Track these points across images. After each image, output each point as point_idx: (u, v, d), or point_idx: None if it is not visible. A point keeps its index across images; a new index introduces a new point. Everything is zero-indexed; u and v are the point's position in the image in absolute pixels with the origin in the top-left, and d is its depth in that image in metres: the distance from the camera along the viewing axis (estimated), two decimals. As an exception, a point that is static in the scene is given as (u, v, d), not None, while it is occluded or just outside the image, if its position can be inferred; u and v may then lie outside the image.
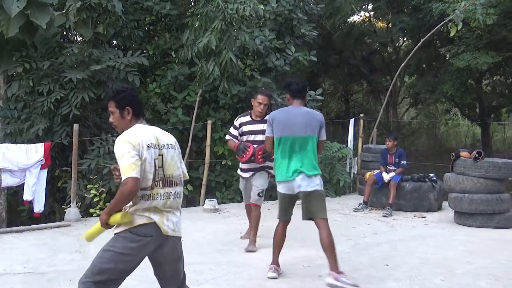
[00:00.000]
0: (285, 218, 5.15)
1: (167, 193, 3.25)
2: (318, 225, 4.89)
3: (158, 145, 3.25)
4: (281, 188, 5.02)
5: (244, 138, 6.17)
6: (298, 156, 4.88)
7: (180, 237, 3.39)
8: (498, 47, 15.57)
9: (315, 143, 4.95)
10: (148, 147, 3.17)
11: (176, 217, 3.35)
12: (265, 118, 5.73)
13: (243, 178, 6.40)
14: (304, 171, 4.85)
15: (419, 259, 5.82)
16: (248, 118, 6.23)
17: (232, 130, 6.34)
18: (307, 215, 4.97)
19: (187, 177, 3.58)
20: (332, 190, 10.76)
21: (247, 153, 5.96)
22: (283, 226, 5.16)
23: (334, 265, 4.68)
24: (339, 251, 5.68)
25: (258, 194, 6.16)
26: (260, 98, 6.10)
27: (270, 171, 6.03)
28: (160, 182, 3.22)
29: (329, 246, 4.75)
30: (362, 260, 5.77)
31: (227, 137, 6.44)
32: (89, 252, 5.95)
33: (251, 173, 6.23)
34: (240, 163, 6.36)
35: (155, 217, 3.19)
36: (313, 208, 4.90)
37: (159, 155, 3.23)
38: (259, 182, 6.17)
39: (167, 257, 3.35)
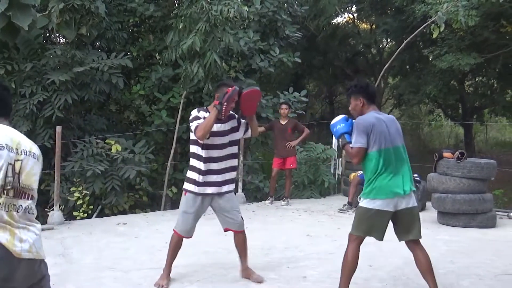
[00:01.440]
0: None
1: (15, 205, 2.54)
2: (414, 247, 4.39)
3: (17, 149, 2.59)
4: (382, 205, 4.20)
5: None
6: (404, 168, 4.29)
7: (41, 259, 2.72)
8: (480, 48, 15.75)
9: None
10: (1, 148, 2.51)
11: (34, 234, 2.63)
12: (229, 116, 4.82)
13: (202, 195, 4.80)
14: (411, 186, 4.29)
15: (403, 259, 5.84)
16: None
17: (198, 122, 4.65)
18: (408, 236, 4.37)
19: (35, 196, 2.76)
20: (317, 191, 10.81)
21: (228, 94, 4.53)
22: (359, 245, 4.39)
23: None
24: (324, 251, 5.71)
25: (241, 217, 5.02)
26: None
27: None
28: (12, 191, 2.53)
29: (430, 270, 4.31)
30: (347, 260, 5.78)
31: (196, 123, 4.64)
32: (73, 255, 5.91)
33: (214, 189, 4.80)
34: (189, 174, 4.83)
35: (1, 237, 2.47)
36: (414, 227, 4.36)
37: (16, 160, 2.56)
38: (236, 204, 5.02)
39: (21, 285, 2.61)
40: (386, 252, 6.25)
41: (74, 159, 9.27)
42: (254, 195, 10.94)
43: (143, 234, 7.08)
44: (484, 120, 21.89)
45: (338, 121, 4.47)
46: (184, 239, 4.96)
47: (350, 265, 4.33)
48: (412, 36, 12.56)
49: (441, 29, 10.96)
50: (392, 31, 19.23)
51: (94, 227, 7.51)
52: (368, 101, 4.39)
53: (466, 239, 6.97)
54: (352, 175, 9.52)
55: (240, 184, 9.85)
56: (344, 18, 23.60)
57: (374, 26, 21.80)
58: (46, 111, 9.29)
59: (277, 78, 16.15)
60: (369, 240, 6.83)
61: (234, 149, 4.90)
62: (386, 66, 13.84)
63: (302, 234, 7.11)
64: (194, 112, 4.78)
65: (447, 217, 7.91)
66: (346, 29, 22.99)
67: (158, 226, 7.64)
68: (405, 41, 12.92)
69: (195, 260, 5.74)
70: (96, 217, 8.98)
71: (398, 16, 17.85)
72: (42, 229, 7.53)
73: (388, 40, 22.89)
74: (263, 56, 11.54)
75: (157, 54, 11.79)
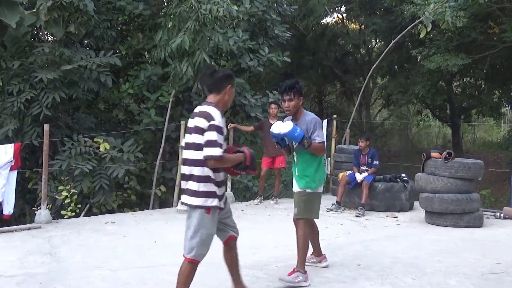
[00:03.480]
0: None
1: None
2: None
3: None
4: (321, 188, 5.25)
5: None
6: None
7: None
8: (468, 49, 15.83)
9: None
10: None
11: None
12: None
13: (219, 208, 4.08)
14: None
15: (391, 259, 5.88)
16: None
17: (219, 136, 3.86)
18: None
19: None
20: (306, 191, 10.81)
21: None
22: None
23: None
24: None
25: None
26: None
27: None
28: None
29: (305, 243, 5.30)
30: (335, 259, 5.80)
31: (220, 147, 3.84)
32: (60, 254, 5.88)
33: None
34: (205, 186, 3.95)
35: None
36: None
37: None
38: None
39: None
40: (374, 251, 6.29)
41: (62, 157, 9.22)
42: (243, 194, 10.93)
43: (131, 233, 7.05)
44: (471, 121, 22.03)
45: (294, 127, 4.86)
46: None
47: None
48: (400, 36, 12.60)
49: (428, 29, 11.03)
50: (381, 31, 19.30)
51: (82, 226, 7.47)
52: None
53: (453, 239, 7.02)
54: (341, 174, 9.54)
55: (229, 184, 9.84)
56: (333, 18, 23.67)
57: (363, 26, 21.86)
58: (34, 109, 9.23)
59: (266, 77, 16.20)
60: (356, 239, 6.88)
61: None
62: (375, 66, 13.87)
63: (290, 233, 7.10)
64: (217, 116, 3.88)
65: (435, 216, 7.96)
66: (335, 29, 23.04)
67: (146, 225, 7.61)
68: (393, 41, 12.97)
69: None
70: (84, 216, 8.93)
71: (387, 16, 17.92)
72: (30, 228, 7.50)
73: (377, 40, 22.97)
74: (253, 55, 11.54)
75: (146, 52, 11.76)
